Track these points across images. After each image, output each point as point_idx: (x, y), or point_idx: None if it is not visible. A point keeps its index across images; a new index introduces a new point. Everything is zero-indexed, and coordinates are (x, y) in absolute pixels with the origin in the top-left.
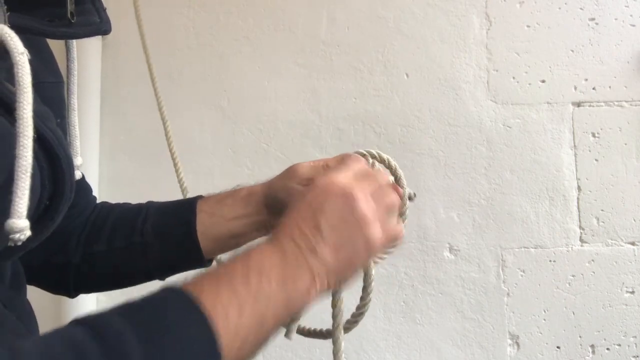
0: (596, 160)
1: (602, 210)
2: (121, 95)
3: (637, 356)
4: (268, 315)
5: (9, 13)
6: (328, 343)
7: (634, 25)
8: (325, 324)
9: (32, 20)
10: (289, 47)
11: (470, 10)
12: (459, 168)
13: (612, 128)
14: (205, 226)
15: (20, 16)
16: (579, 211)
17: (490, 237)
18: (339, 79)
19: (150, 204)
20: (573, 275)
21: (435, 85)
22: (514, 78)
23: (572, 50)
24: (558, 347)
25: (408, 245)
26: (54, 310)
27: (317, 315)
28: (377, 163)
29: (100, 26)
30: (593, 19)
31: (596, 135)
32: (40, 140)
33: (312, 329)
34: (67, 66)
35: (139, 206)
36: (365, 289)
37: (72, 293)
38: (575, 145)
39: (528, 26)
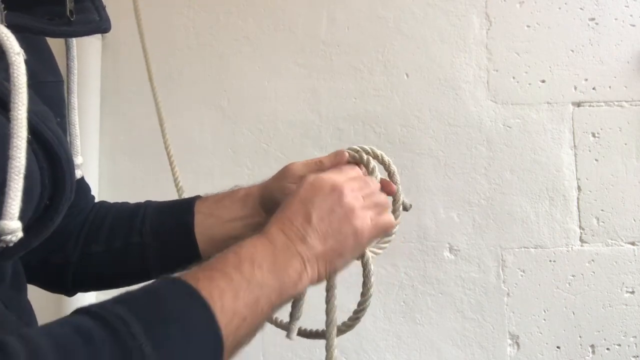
0: (596, 160)
1: (602, 210)
2: (121, 95)
3: (637, 356)
4: (262, 299)
5: (5, 12)
6: None
7: (634, 25)
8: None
9: (31, 19)
10: (289, 47)
11: (470, 10)
12: (459, 168)
13: (612, 128)
14: (203, 227)
15: (19, 15)
16: (579, 211)
17: (490, 237)
18: (339, 79)
19: (148, 204)
20: (573, 275)
21: (435, 85)
22: (514, 78)
23: (572, 50)
24: (558, 347)
25: (408, 245)
26: (53, 311)
27: (318, 316)
28: (371, 159)
29: (99, 24)
30: (593, 19)
31: (596, 135)
32: (40, 140)
33: (312, 330)
34: (67, 65)
35: (137, 206)
36: (365, 285)
37: (70, 292)
38: (575, 145)
39: (528, 26)
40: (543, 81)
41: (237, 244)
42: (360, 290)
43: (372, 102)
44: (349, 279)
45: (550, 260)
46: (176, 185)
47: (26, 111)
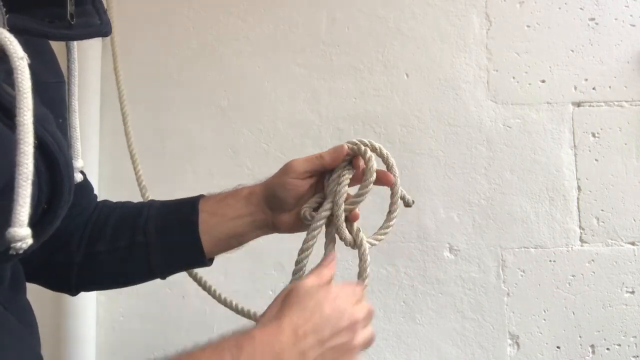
0: (596, 160)
1: (602, 210)
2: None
3: (637, 356)
4: None
5: (8, 15)
6: None
7: (634, 25)
8: None
9: (32, 21)
10: (289, 47)
11: (470, 10)
12: (459, 168)
13: (612, 128)
14: (208, 225)
15: (19, 17)
16: (579, 211)
17: (490, 237)
18: (339, 79)
19: (152, 203)
20: (573, 275)
21: (435, 85)
22: (514, 78)
23: (572, 50)
24: (558, 347)
25: (408, 245)
26: (54, 311)
27: None
28: (369, 151)
29: (100, 28)
30: (593, 19)
31: (596, 135)
32: (39, 145)
33: None
34: (68, 67)
35: (141, 205)
36: (361, 275)
37: (73, 291)
38: (575, 145)
39: (528, 26)
40: (543, 81)
41: (236, 344)
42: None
43: (372, 102)
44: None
45: (550, 260)
46: (139, 184)
47: (32, 116)
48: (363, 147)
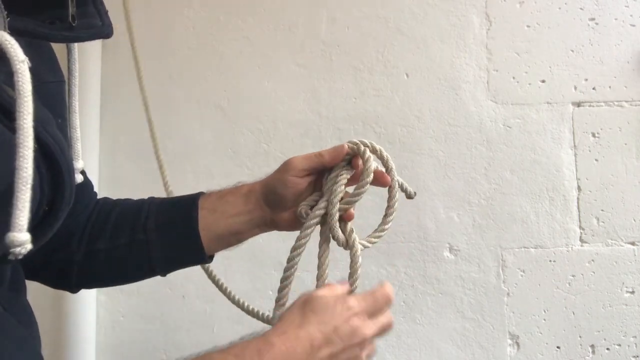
0: (596, 160)
1: (602, 210)
2: (121, 95)
3: (637, 356)
4: None
5: (9, 18)
6: None
7: (634, 25)
8: None
9: (33, 23)
10: (289, 47)
11: (470, 10)
12: (459, 168)
13: (612, 128)
14: (208, 223)
15: (20, 19)
16: (579, 211)
17: (490, 237)
18: (339, 79)
19: (152, 200)
20: (573, 275)
21: (435, 85)
22: (514, 78)
23: (572, 50)
24: (558, 347)
25: (408, 245)
26: (54, 311)
27: None
28: (368, 151)
29: (102, 30)
30: (593, 19)
31: (596, 135)
32: (40, 146)
33: None
34: (69, 68)
35: (141, 202)
36: (352, 276)
37: (74, 289)
38: (575, 145)
39: (528, 26)
40: (543, 81)
41: (257, 351)
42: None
43: (372, 102)
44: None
45: (550, 260)
46: (166, 190)
47: (32, 120)
48: (362, 147)
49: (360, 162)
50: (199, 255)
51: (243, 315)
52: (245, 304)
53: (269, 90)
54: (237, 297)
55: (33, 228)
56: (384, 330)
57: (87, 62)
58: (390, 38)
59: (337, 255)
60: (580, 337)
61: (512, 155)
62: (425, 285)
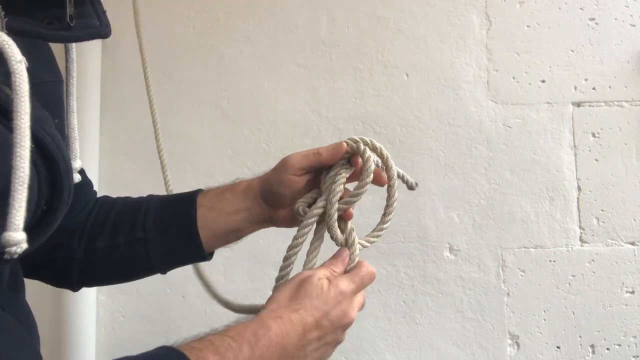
0: (596, 160)
1: (602, 210)
2: (121, 95)
3: (637, 356)
4: None
5: (7, 18)
6: None
7: (634, 25)
8: None
9: (31, 23)
10: (289, 47)
11: (470, 10)
12: (459, 168)
13: (612, 128)
14: (206, 220)
15: (18, 19)
16: (579, 211)
17: (490, 237)
18: (339, 79)
19: (150, 198)
20: (573, 275)
21: (435, 85)
22: (514, 78)
23: (572, 50)
24: (558, 347)
25: (408, 245)
26: (54, 311)
27: None
28: (368, 150)
29: (99, 30)
30: (593, 19)
31: (596, 135)
32: (38, 146)
33: None
34: (66, 67)
35: (140, 200)
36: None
37: (75, 287)
38: (575, 145)
39: (528, 26)
40: (543, 81)
41: (254, 334)
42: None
43: (372, 102)
44: None
45: (550, 260)
46: (166, 190)
47: (29, 120)
48: (362, 146)
49: (359, 160)
50: (199, 253)
51: (242, 315)
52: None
53: (269, 90)
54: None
55: (31, 228)
56: (361, 309)
57: (87, 61)
58: (390, 38)
59: (331, 252)
60: (580, 337)
61: (512, 155)
62: (425, 285)
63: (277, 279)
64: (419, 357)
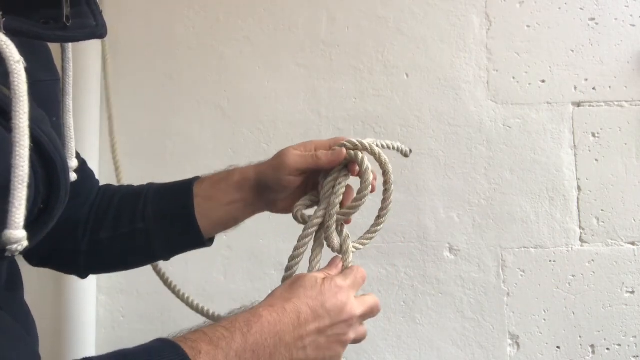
0: (596, 160)
1: (602, 210)
2: (121, 95)
3: (637, 356)
4: None
5: (4, 19)
6: None
7: (634, 25)
8: None
9: (27, 23)
10: (289, 47)
11: (470, 10)
12: (459, 168)
13: (612, 128)
14: (203, 210)
15: (15, 19)
16: (579, 211)
17: (490, 237)
18: (339, 79)
19: (150, 187)
20: (573, 275)
21: (435, 85)
22: (514, 78)
23: (572, 50)
24: (558, 347)
25: (408, 245)
26: (54, 311)
27: None
28: (366, 161)
29: (96, 30)
30: (593, 19)
31: (596, 135)
32: (35, 145)
33: None
34: (63, 67)
35: (139, 190)
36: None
37: (83, 275)
38: (575, 145)
39: (528, 26)
40: (543, 81)
41: (247, 322)
42: None
43: (372, 102)
44: None
45: (550, 260)
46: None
47: (27, 120)
48: (360, 156)
49: (357, 168)
50: (198, 241)
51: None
52: (195, 303)
53: (269, 90)
54: (187, 296)
55: (28, 226)
56: (371, 310)
57: (87, 61)
58: (390, 38)
59: (332, 255)
60: (580, 337)
61: (512, 155)
62: (425, 285)
63: None
64: (419, 357)
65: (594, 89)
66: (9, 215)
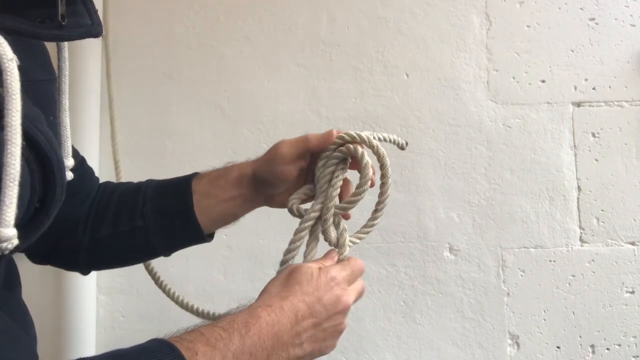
0: (596, 160)
1: (602, 210)
2: (121, 95)
3: (637, 356)
4: None
5: None
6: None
7: (634, 25)
8: None
9: (23, 22)
10: (289, 47)
11: (470, 10)
12: (459, 168)
13: (612, 128)
14: (202, 206)
15: (10, 18)
16: (579, 211)
17: (490, 237)
18: (339, 79)
19: (148, 184)
20: (573, 275)
21: (435, 85)
22: (514, 78)
23: (572, 50)
24: (558, 347)
25: (408, 245)
26: (54, 311)
27: None
28: (366, 156)
29: (91, 29)
30: (593, 19)
31: (596, 135)
32: (31, 144)
33: None
34: (59, 66)
35: (138, 186)
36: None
37: (85, 271)
38: (575, 145)
39: (528, 26)
40: (543, 81)
41: (245, 323)
42: None
43: (372, 102)
44: None
45: (550, 260)
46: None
47: (20, 117)
48: (360, 151)
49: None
50: (198, 237)
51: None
52: (190, 304)
53: (269, 90)
54: (180, 297)
55: (24, 225)
56: (360, 296)
57: (87, 61)
58: (390, 38)
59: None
60: (580, 337)
61: (512, 155)
62: (425, 285)
63: None
64: (419, 357)
65: (594, 89)
66: (0, 214)
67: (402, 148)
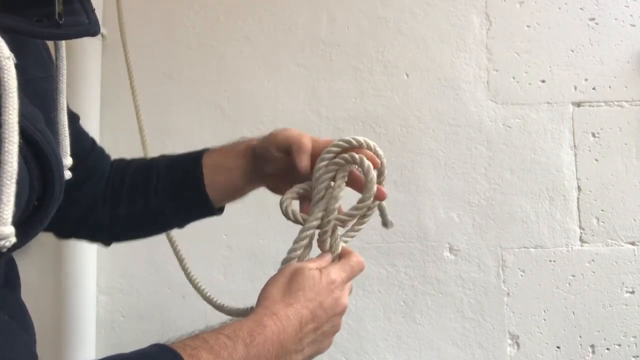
0: (596, 160)
1: (602, 210)
2: (121, 95)
3: (637, 356)
4: None
5: None
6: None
7: (634, 25)
8: None
9: (20, 20)
10: (289, 47)
11: (470, 10)
12: (459, 168)
13: (612, 128)
14: (212, 180)
15: (7, 16)
16: (579, 211)
17: (490, 237)
18: (339, 79)
19: (160, 162)
20: (573, 275)
21: (435, 85)
22: (514, 78)
23: (572, 50)
24: (558, 347)
25: (408, 245)
26: (54, 311)
27: None
28: (372, 170)
29: (88, 27)
30: (593, 19)
31: (596, 135)
32: (29, 142)
33: None
34: (56, 65)
35: (149, 166)
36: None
37: (107, 244)
38: (575, 145)
39: (528, 26)
40: (543, 81)
41: (249, 333)
42: None
43: (372, 102)
44: None
45: (550, 260)
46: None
47: (17, 116)
48: (367, 164)
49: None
50: (210, 211)
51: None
52: (218, 302)
53: (269, 90)
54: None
55: (23, 223)
56: (349, 293)
57: (87, 61)
58: (390, 38)
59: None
60: (580, 337)
61: (512, 155)
62: (425, 285)
63: None
64: (419, 357)
65: (594, 89)
66: None
67: (384, 225)
